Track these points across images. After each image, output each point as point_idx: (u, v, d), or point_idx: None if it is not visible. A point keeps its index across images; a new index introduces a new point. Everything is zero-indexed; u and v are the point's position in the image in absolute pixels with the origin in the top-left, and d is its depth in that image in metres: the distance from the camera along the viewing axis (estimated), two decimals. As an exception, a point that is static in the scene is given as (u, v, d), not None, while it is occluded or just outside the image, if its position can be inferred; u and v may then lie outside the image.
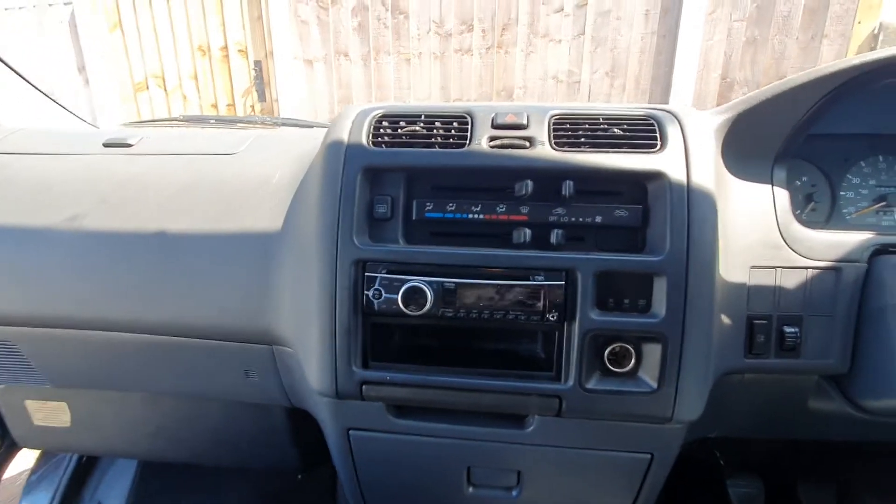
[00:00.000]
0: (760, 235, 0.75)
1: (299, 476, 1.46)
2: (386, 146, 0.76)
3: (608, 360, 0.71)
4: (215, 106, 4.31)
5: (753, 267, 0.74)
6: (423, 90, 4.10)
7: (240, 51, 4.19)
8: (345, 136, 0.76)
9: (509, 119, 0.76)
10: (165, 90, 4.30)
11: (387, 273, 0.71)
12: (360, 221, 0.73)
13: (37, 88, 1.34)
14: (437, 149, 0.74)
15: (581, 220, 0.72)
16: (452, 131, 0.77)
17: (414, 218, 0.74)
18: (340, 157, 0.75)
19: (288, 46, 4.12)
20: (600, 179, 0.72)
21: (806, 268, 0.74)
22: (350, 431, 0.83)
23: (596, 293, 0.70)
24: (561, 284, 0.70)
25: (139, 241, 0.84)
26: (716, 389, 0.74)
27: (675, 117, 0.75)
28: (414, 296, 0.69)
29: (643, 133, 0.74)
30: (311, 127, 1.44)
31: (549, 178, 0.72)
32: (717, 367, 0.73)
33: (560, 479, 0.84)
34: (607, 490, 0.85)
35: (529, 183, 0.71)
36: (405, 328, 0.77)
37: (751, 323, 0.74)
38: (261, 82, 4.19)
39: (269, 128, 1.40)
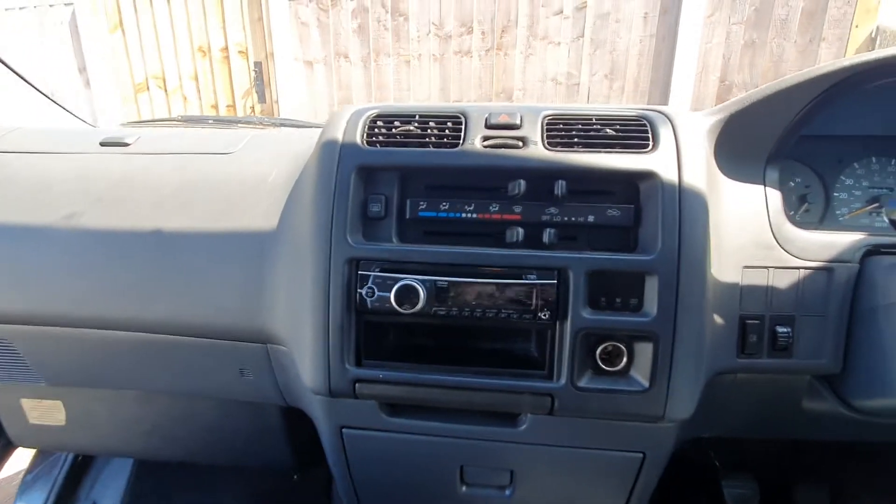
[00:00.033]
0: (753, 235, 0.75)
1: (295, 476, 1.46)
2: (380, 146, 0.76)
3: (600, 358, 0.71)
4: (215, 107, 4.32)
5: (746, 267, 0.74)
6: (422, 92, 4.12)
7: (240, 52, 4.20)
8: (339, 136, 0.77)
9: (503, 119, 0.76)
10: (166, 91, 4.31)
11: (380, 271, 0.72)
12: (353, 220, 0.73)
13: (37, 89, 1.35)
14: (431, 148, 0.75)
15: (573, 219, 0.72)
16: (446, 131, 0.77)
17: (408, 217, 0.75)
18: (335, 156, 0.75)
19: (288, 48, 4.13)
20: (593, 179, 0.73)
21: (798, 268, 0.74)
22: (343, 430, 0.83)
23: (588, 292, 0.70)
24: (553, 283, 0.70)
25: (135, 239, 0.85)
26: (709, 389, 0.74)
27: (668, 118, 0.76)
28: (407, 294, 0.70)
29: (635, 133, 0.74)
30: (308, 127, 1.45)
31: (541, 177, 0.72)
32: (709, 367, 0.73)
33: (553, 479, 0.85)
34: (600, 489, 0.85)
35: (522, 182, 0.71)
36: (399, 327, 0.77)
37: (743, 323, 0.74)
38: (261, 83, 4.20)
39: (267, 128, 1.41)
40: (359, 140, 0.76)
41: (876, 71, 0.72)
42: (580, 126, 0.76)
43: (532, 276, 0.70)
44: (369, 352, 0.75)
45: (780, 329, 0.74)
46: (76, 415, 1.14)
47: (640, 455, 0.79)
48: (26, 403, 1.14)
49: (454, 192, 0.74)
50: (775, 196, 0.78)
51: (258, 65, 4.18)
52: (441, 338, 0.77)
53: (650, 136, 0.74)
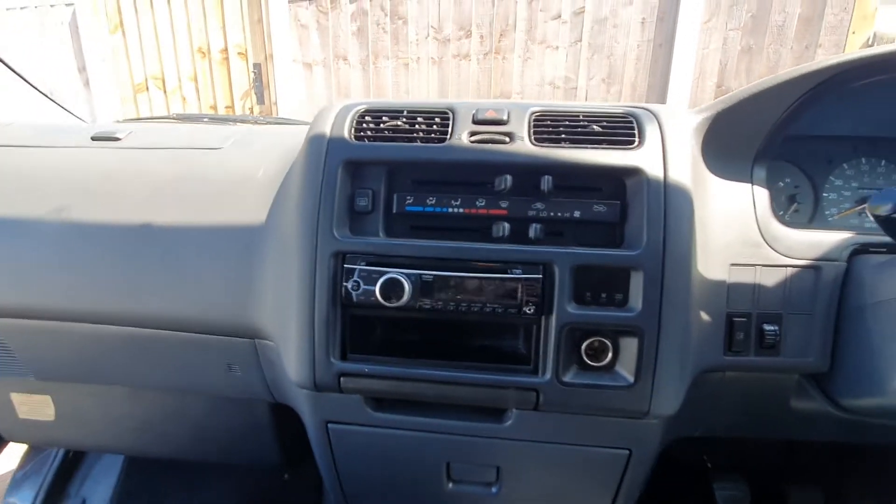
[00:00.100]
0: (740, 233, 0.75)
1: (285, 476, 1.46)
2: (368, 140, 0.76)
3: (586, 354, 0.71)
4: (214, 108, 4.33)
5: (733, 265, 0.74)
6: (420, 95, 4.13)
7: (239, 53, 4.22)
8: (327, 130, 0.77)
9: (490, 115, 0.76)
10: (165, 92, 4.33)
11: (366, 265, 0.72)
12: (340, 214, 0.73)
13: (36, 89, 1.35)
14: (419, 143, 0.75)
15: (560, 214, 0.72)
16: (434, 126, 0.77)
17: (394, 211, 0.75)
18: (322, 150, 0.75)
19: (287, 50, 4.15)
20: (579, 175, 0.73)
21: (785, 266, 0.74)
22: (329, 424, 0.83)
23: (573, 287, 0.70)
24: (538, 278, 0.70)
25: (124, 232, 0.85)
26: (697, 388, 0.74)
27: (654, 115, 0.76)
28: (392, 287, 0.70)
29: (622, 130, 0.74)
30: (302, 125, 1.45)
31: (528, 173, 0.72)
32: (696, 364, 0.73)
33: (539, 475, 0.84)
34: (586, 487, 0.85)
35: (509, 178, 0.72)
36: (385, 321, 0.77)
37: (730, 320, 0.74)
38: (260, 85, 4.21)
39: (262, 126, 1.41)
40: (347, 135, 0.76)
41: (862, 69, 0.72)
42: (567, 122, 0.76)
43: (517, 271, 0.70)
44: (355, 346, 0.75)
45: (767, 327, 0.74)
46: (65, 410, 1.14)
47: (627, 452, 0.79)
48: (16, 398, 1.13)
49: (441, 187, 0.75)
50: (763, 194, 0.78)
51: (257, 66, 4.19)
52: (427, 333, 0.77)
53: (636, 132, 0.74)
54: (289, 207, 0.78)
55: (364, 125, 0.78)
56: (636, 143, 0.73)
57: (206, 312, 0.83)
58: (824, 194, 0.89)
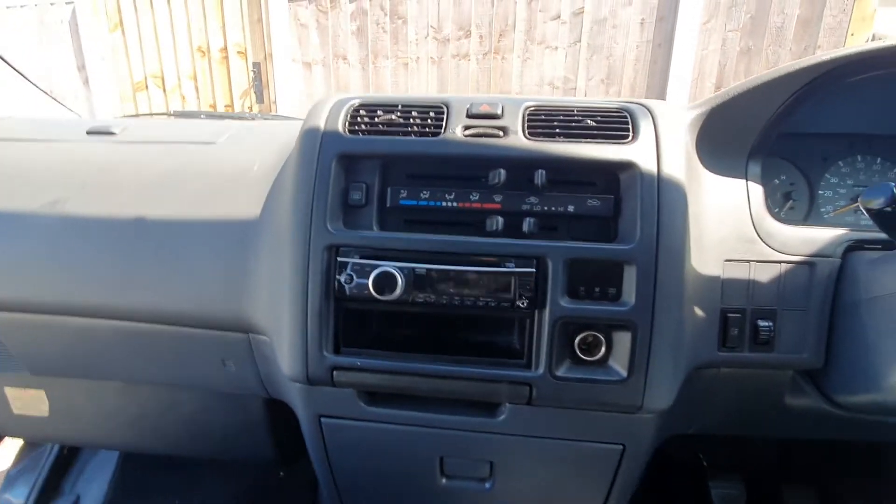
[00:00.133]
0: (734, 229, 0.75)
1: (281, 473, 1.45)
2: (362, 134, 0.76)
3: (579, 348, 0.71)
4: (213, 107, 4.33)
5: (727, 260, 0.74)
6: (420, 94, 4.13)
7: (239, 52, 4.22)
8: (321, 124, 0.77)
9: (484, 109, 0.76)
10: (164, 90, 4.33)
11: (359, 258, 0.72)
12: (334, 208, 0.73)
13: (36, 86, 1.35)
14: (413, 137, 0.75)
15: (553, 209, 0.72)
16: (428, 120, 0.77)
17: (388, 205, 0.75)
18: (316, 143, 0.75)
19: (287, 49, 4.15)
20: (573, 169, 0.73)
21: (780, 262, 0.74)
22: (322, 418, 0.83)
23: (566, 281, 0.70)
24: (531, 272, 0.70)
25: (119, 225, 0.84)
26: (691, 384, 0.74)
27: (648, 110, 0.76)
28: (385, 281, 0.70)
29: (616, 124, 0.74)
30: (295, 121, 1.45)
31: (522, 167, 0.72)
32: (690, 360, 0.73)
33: (532, 471, 0.84)
34: (580, 482, 0.85)
35: (502, 172, 0.71)
36: (378, 315, 0.77)
37: (724, 316, 0.74)
38: (259, 84, 4.21)
39: (257, 122, 1.41)
40: (341, 128, 0.76)
41: (857, 65, 0.72)
42: (561, 116, 0.76)
43: (511, 265, 0.70)
44: (348, 339, 0.75)
45: (761, 323, 0.73)
46: (59, 405, 1.13)
47: (620, 447, 0.79)
48: (10, 392, 1.13)
49: (435, 180, 0.74)
50: (757, 190, 0.78)
51: (257, 65, 4.19)
52: (420, 326, 0.77)
53: (630, 127, 0.74)
54: (283, 201, 0.78)
55: (358, 119, 0.78)
56: (630, 138, 0.73)
57: (200, 306, 0.83)
58: (820, 192, 0.89)
